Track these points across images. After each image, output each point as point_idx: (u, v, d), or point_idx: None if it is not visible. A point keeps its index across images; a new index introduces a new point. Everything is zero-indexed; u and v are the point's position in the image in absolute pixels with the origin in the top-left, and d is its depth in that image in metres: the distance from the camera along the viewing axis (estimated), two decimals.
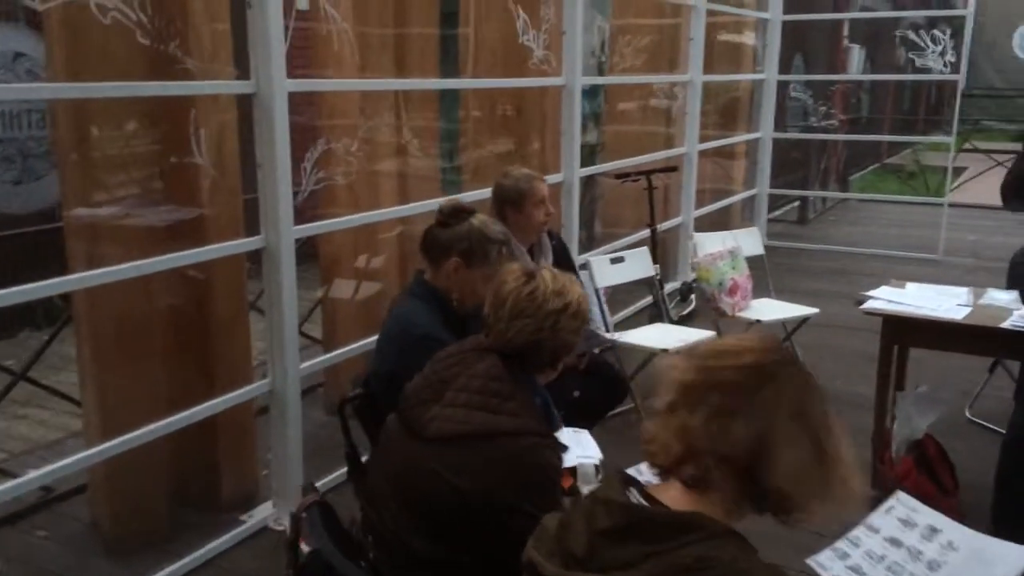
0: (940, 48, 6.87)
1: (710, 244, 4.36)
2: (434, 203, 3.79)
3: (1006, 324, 2.93)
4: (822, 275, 6.62)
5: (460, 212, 2.39)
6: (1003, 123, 15.86)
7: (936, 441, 3.26)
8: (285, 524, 2.88)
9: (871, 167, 14.37)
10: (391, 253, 4.08)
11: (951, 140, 7.30)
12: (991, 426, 3.81)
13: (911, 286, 3.43)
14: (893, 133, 14.45)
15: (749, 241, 4.55)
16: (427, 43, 4.16)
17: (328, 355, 3.47)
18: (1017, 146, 9.01)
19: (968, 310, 3.09)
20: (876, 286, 6.36)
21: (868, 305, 3.20)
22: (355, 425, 2.34)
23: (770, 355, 1.22)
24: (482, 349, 1.80)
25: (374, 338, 2.56)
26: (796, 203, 8.93)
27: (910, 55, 7.02)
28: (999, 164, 9.47)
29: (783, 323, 4.34)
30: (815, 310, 4.32)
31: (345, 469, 2.35)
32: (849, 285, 6.47)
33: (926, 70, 6.81)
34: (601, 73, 6.12)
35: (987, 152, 9.98)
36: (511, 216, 2.98)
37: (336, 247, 3.91)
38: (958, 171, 11.96)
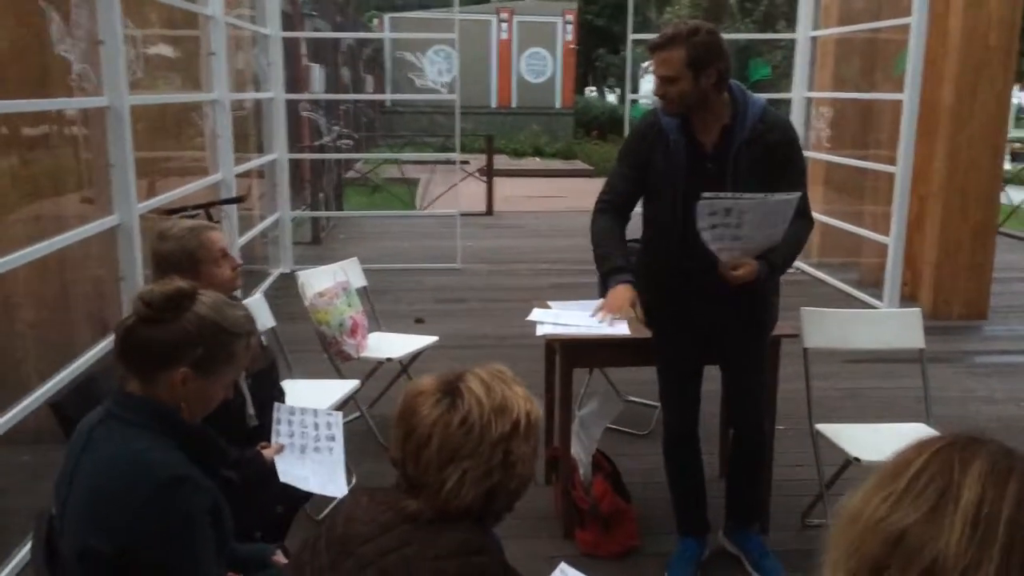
0: (436, 69, 7.26)
1: (319, 281, 3.91)
2: None
3: None
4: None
5: (179, 298, 1.66)
6: (428, 136, 17.47)
7: (603, 452, 3.36)
8: None
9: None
10: None
11: (456, 155, 7.77)
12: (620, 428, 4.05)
13: (555, 304, 3.45)
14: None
15: (354, 272, 4.21)
16: None
17: None
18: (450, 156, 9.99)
19: (625, 324, 3.21)
20: (423, 301, 6.59)
21: (543, 331, 3.14)
22: None
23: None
24: (410, 516, 1.21)
25: None
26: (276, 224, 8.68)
27: (410, 76, 7.28)
28: (470, 175, 10.44)
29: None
30: (434, 338, 4.17)
31: None
32: (397, 303, 6.51)
33: (429, 90, 7.13)
34: None
35: (458, 163, 10.91)
36: None
37: None
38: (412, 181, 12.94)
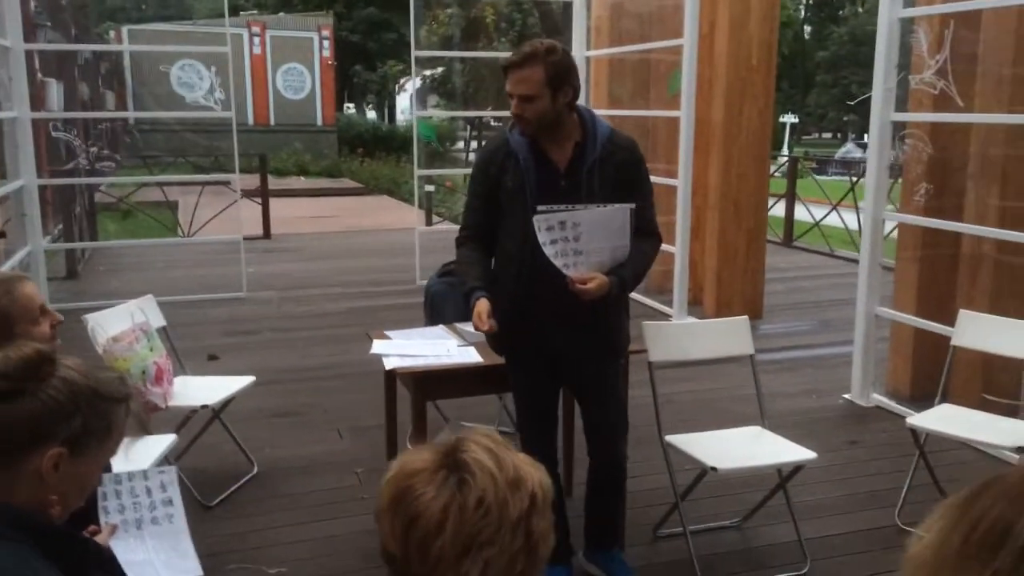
0: (208, 85, 6.77)
1: (112, 324, 3.43)
2: None
3: None
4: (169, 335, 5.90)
5: (39, 363, 1.33)
6: (180, 156, 16.20)
7: None
8: None
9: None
10: None
11: (236, 176, 7.27)
12: None
13: (394, 335, 3.27)
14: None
15: (152, 311, 3.74)
16: None
17: None
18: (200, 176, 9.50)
19: (472, 349, 3.10)
20: (212, 335, 6.09)
21: (392, 364, 2.95)
22: None
23: None
24: None
25: None
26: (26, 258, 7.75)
27: (179, 91, 6.73)
28: (245, 196, 9.80)
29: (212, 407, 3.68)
30: (250, 378, 3.82)
31: None
32: (182, 339, 5.90)
33: (200, 106, 6.63)
34: None
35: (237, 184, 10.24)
36: None
37: None
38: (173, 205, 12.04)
